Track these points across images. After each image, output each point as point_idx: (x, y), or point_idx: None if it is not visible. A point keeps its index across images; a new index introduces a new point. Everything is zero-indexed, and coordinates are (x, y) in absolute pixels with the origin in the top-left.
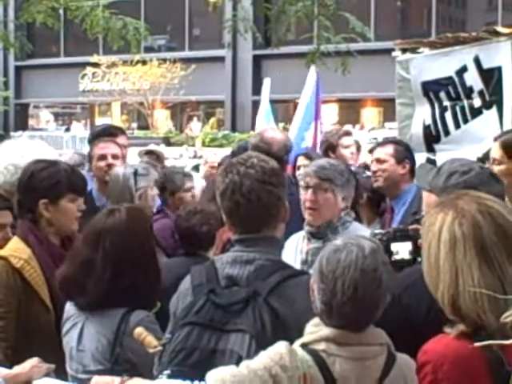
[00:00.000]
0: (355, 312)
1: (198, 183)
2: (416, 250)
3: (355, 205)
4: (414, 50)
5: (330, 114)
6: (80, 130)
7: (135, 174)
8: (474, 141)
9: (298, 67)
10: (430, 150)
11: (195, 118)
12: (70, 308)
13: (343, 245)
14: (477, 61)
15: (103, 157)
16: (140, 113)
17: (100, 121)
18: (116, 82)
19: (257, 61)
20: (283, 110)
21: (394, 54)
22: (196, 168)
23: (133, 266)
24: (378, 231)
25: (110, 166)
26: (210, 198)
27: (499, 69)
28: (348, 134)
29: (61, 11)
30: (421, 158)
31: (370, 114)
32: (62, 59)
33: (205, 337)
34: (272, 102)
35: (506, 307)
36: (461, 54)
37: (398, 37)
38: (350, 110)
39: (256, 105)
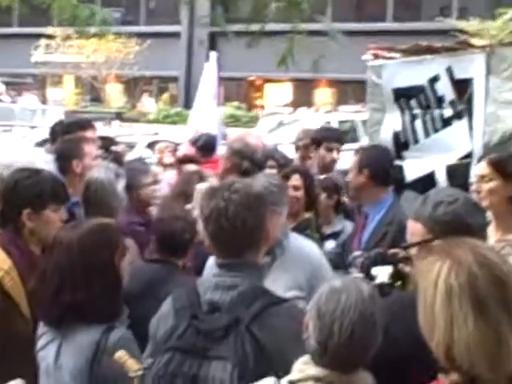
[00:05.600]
0: (349, 354)
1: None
2: (396, 275)
3: (314, 204)
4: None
5: (284, 94)
6: (32, 101)
7: (117, 176)
8: (443, 150)
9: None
10: (398, 156)
11: (147, 94)
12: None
13: (342, 286)
14: (449, 71)
15: (97, 157)
16: (93, 86)
17: (52, 92)
18: (69, 55)
19: (213, 38)
20: (237, 88)
21: (364, 57)
22: (150, 146)
23: (86, 277)
24: (357, 254)
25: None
26: (178, 194)
27: (471, 80)
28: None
29: None
30: None
31: (324, 95)
32: (15, 29)
33: (186, 363)
34: (226, 79)
35: (501, 360)
36: (433, 63)
37: (354, 19)
38: (303, 90)
39: None
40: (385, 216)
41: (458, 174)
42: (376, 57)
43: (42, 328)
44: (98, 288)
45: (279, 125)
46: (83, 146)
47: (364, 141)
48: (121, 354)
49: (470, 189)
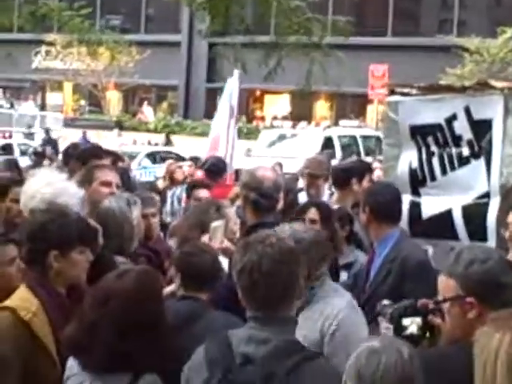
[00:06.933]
0: None
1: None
2: (425, 326)
3: (332, 237)
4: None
5: (283, 106)
6: (30, 107)
7: (128, 204)
8: (460, 189)
9: (255, 57)
10: (415, 192)
11: (145, 102)
12: (73, 364)
13: (382, 347)
14: (467, 111)
15: (108, 184)
16: (92, 94)
17: (51, 97)
18: (69, 62)
19: (212, 48)
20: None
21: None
22: (149, 156)
23: (138, 331)
24: (386, 303)
25: (112, 194)
26: (195, 224)
27: (490, 121)
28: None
29: None
30: (405, 199)
31: (323, 109)
32: (15, 35)
33: None
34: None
35: None
36: (451, 103)
37: (354, 33)
38: (302, 102)
39: (210, 92)
40: (389, 253)
41: (475, 214)
42: (392, 92)
43: (69, 370)
44: (148, 340)
45: (279, 138)
46: (95, 171)
47: (364, 157)
48: None
49: (486, 229)
